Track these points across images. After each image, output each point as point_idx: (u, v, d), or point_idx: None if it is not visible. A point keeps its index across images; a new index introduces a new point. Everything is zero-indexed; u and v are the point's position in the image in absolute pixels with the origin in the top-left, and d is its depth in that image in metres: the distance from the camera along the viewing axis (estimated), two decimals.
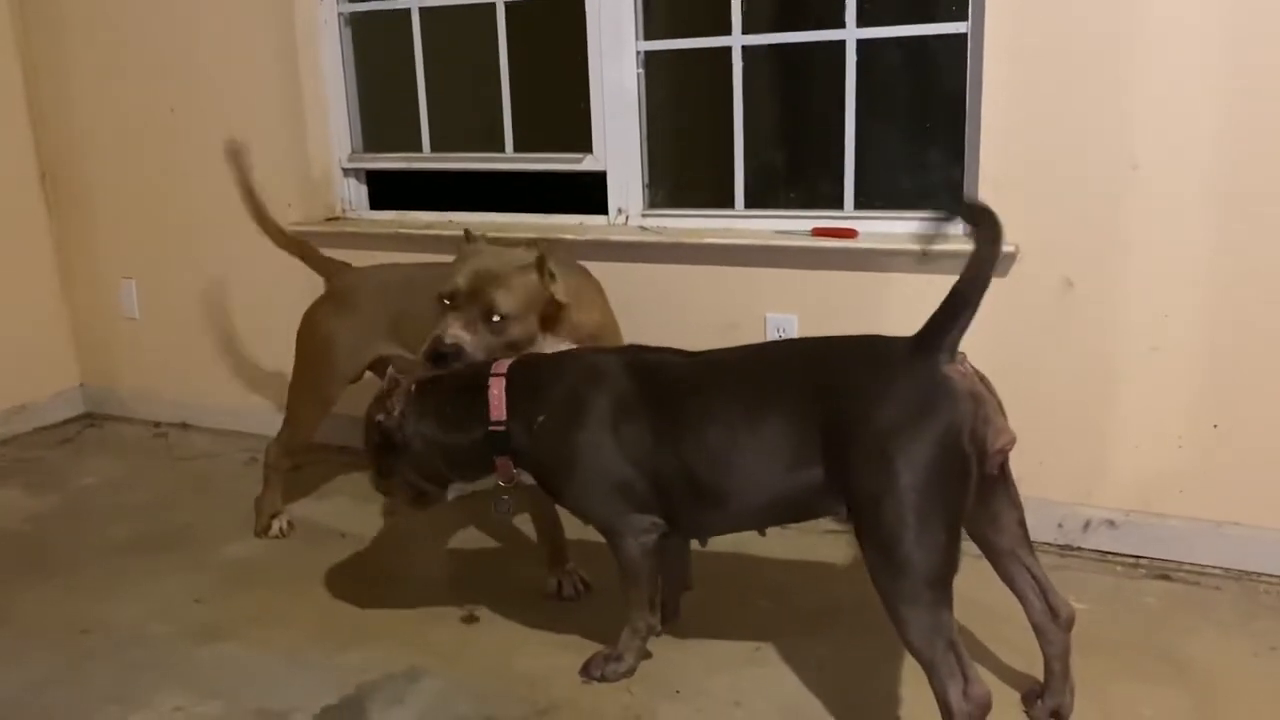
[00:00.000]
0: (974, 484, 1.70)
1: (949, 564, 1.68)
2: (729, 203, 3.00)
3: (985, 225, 1.69)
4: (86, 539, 2.92)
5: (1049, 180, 2.48)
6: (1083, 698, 1.94)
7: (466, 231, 2.35)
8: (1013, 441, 1.76)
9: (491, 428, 1.99)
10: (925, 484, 1.66)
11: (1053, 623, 1.88)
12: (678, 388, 1.94)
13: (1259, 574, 2.44)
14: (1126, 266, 2.46)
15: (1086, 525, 2.60)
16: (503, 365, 2.04)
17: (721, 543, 2.11)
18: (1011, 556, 1.87)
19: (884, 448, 1.69)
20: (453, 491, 2.14)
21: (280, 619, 2.44)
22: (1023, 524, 1.86)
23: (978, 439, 1.70)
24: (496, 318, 2.16)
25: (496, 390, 2.00)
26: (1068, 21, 2.40)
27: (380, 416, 2.04)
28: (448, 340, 2.13)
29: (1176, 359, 2.45)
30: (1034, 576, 1.87)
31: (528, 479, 2.06)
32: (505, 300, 2.16)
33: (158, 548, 2.85)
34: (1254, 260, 2.35)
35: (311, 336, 2.77)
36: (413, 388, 2.05)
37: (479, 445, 2.01)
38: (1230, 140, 2.32)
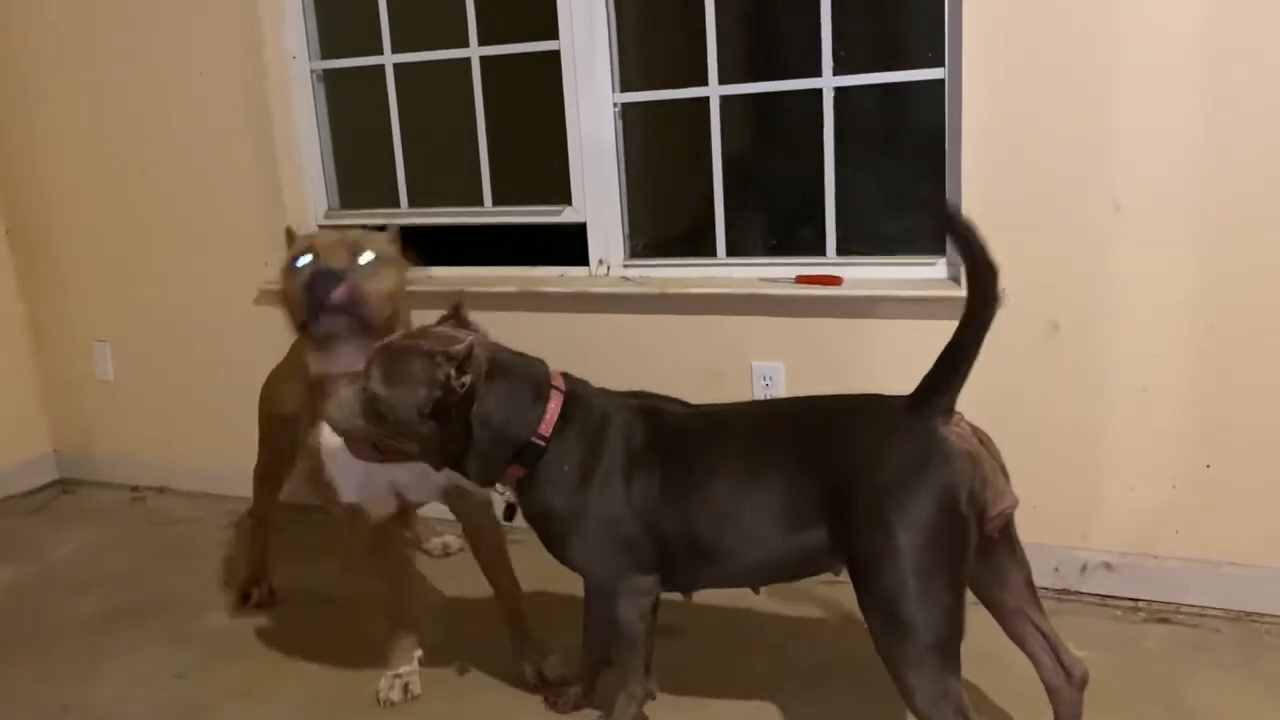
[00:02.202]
0: (973, 546, 1.67)
1: (954, 628, 1.65)
2: (711, 251, 2.98)
3: (984, 280, 1.65)
4: (62, 612, 2.85)
5: (1032, 223, 2.48)
6: None
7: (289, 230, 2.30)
8: (1014, 505, 1.73)
9: (533, 439, 1.88)
10: (923, 546, 1.63)
11: (1066, 683, 1.84)
12: (685, 441, 1.90)
13: (1259, 614, 2.42)
14: (1113, 307, 2.45)
15: (1083, 568, 2.58)
16: (559, 379, 1.94)
17: (716, 598, 2.07)
18: (1020, 616, 1.83)
19: (880, 510, 1.66)
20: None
21: (264, 693, 2.37)
22: (1030, 583, 1.83)
23: (976, 501, 1.67)
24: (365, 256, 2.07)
25: (555, 406, 1.89)
26: (1045, 65, 2.41)
27: (452, 375, 1.79)
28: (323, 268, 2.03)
29: (1167, 399, 2.44)
30: (1044, 635, 1.84)
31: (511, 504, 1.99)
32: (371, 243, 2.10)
33: (136, 619, 2.77)
34: (1239, 298, 2.35)
35: (261, 400, 2.72)
36: (485, 368, 1.86)
37: (512, 450, 1.89)
38: (1211, 180, 2.32)
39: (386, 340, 1.90)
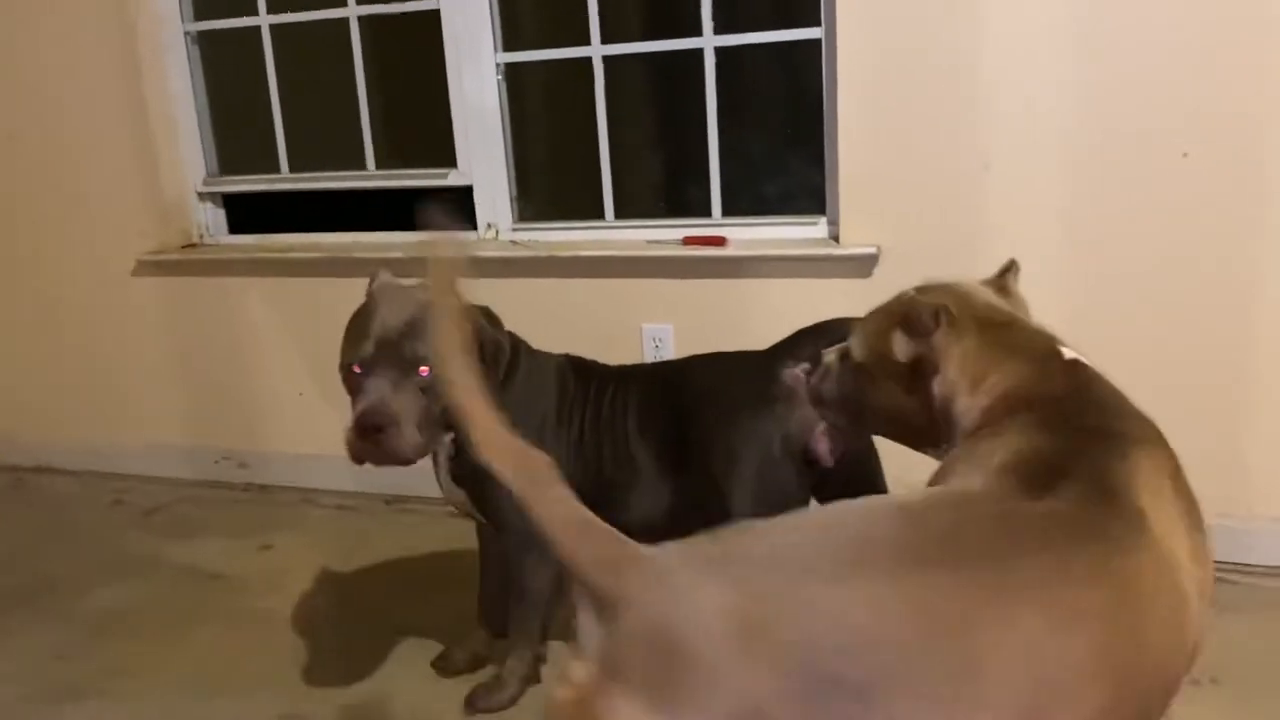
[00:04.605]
0: (802, 486, 1.79)
1: None
2: (599, 214, 2.98)
3: None
4: None
5: (906, 183, 2.52)
6: None
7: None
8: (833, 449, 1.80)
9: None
10: (756, 489, 1.75)
11: None
12: (603, 391, 2.00)
13: None
14: (984, 267, 2.48)
15: None
16: None
17: None
18: None
19: (707, 446, 1.82)
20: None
21: (149, 670, 2.32)
22: None
23: (793, 443, 1.78)
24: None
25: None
26: (918, 26, 2.44)
27: None
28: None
29: None
30: None
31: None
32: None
33: (15, 603, 2.68)
34: (1104, 259, 2.42)
35: None
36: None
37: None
38: (1077, 141, 2.38)
39: None
